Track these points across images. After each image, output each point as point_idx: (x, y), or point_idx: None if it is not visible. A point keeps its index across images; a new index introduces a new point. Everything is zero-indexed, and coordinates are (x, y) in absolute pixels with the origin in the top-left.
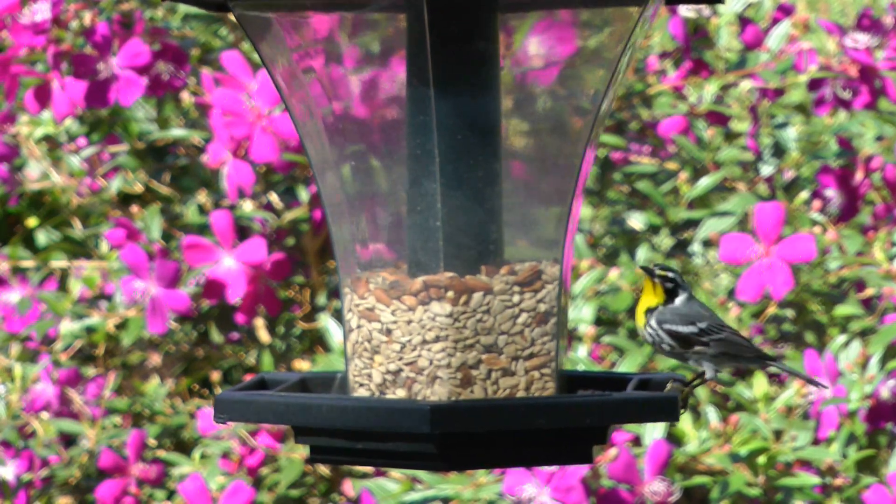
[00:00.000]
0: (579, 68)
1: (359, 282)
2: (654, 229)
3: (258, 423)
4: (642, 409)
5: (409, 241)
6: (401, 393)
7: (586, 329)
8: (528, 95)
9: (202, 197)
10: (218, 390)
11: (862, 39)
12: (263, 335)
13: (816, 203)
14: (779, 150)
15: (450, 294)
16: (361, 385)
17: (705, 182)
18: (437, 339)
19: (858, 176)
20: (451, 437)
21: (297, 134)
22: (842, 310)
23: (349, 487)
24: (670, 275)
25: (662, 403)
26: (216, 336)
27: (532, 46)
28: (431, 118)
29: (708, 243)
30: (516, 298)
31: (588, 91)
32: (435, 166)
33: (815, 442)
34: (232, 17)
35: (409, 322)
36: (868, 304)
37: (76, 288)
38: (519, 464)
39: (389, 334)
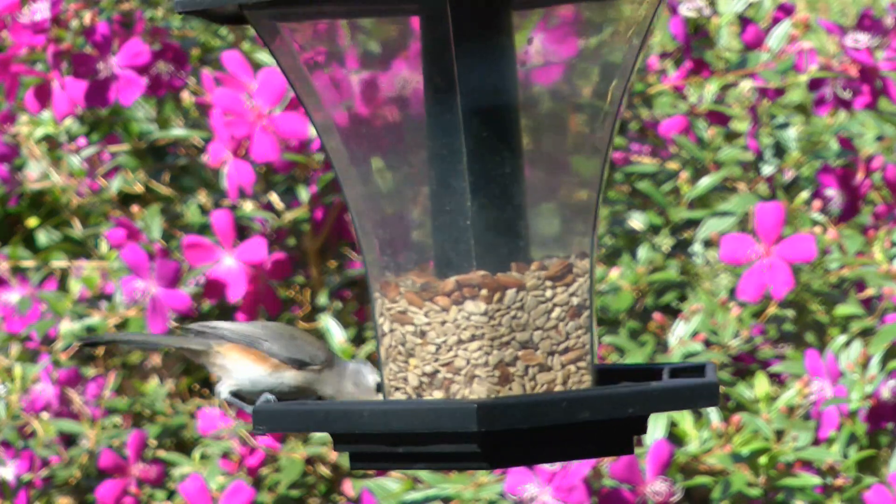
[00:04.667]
0: (599, 60)
1: (388, 286)
2: (654, 229)
3: (298, 431)
4: (683, 396)
5: (438, 241)
6: (438, 394)
7: None
8: (549, 90)
9: (202, 197)
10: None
11: (862, 39)
12: None
13: (817, 203)
14: (779, 150)
15: (483, 292)
16: (397, 389)
17: (706, 182)
18: (472, 339)
19: (859, 176)
20: (495, 435)
21: (320, 139)
22: (842, 310)
23: (349, 487)
24: None
25: (703, 389)
26: None
27: (552, 42)
28: (457, 117)
29: (708, 243)
30: (549, 293)
31: (612, 83)
32: (462, 165)
33: (816, 442)
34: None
35: (444, 323)
36: (868, 304)
37: (76, 288)
38: (561, 458)
39: (424, 336)
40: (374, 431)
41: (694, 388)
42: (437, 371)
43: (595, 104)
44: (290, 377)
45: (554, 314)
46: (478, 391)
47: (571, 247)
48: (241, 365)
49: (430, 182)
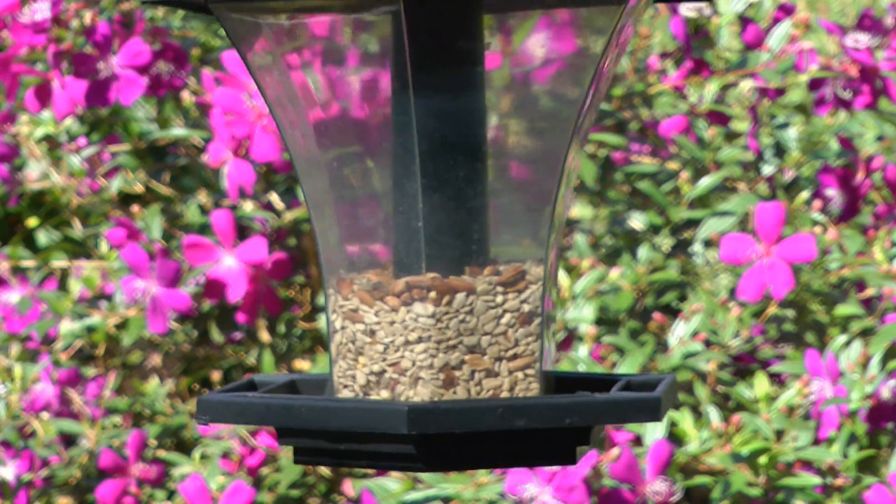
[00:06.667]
0: (562, 67)
1: (343, 283)
2: (654, 229)
3: (239, 424)
4: (624, 409)
5: (393, 242)
6: (384, 394)
7: (587, 329)
8: (510, 94)
9: (203, 197)
10: None
11: (863, 39)
12: (264, 335)
13: (817, 203)
14: (779, 150)
15: (432, 295)
16: (346, 386)
17: (706, 182)
18: (419, 340)
19: (859, 176)
20: (431, 437)
21: (280, 135)
22: (842, 310)
23: (349, 487)
24: None
25: (644, 403)
26: (217, 336)
27: (514, 45)
28: (411, 118)
29: (709, 243)
30: (500, 299)
31: (571, 90)
32: (415, 166)
33: (816, 442)
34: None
35: (392, 323)
36: (868, 304)
37: (76, 288)
38: (500, 464)
39: (373, 335)
40: (311, 428)
41: (635, 402)
42: (384, 371)
43: (554, 110)
44: None
45: (504, 320)
46: (422, 393)
47: (528, 253)
48: None
49: (387, 182)
